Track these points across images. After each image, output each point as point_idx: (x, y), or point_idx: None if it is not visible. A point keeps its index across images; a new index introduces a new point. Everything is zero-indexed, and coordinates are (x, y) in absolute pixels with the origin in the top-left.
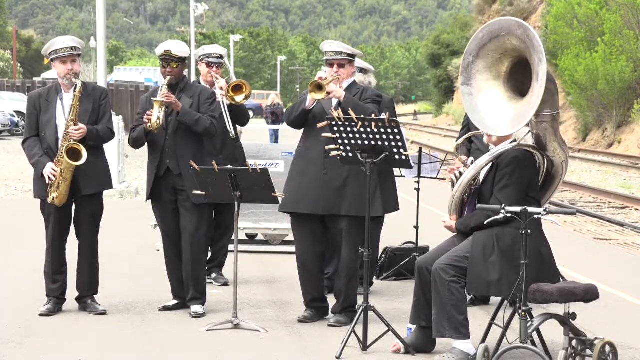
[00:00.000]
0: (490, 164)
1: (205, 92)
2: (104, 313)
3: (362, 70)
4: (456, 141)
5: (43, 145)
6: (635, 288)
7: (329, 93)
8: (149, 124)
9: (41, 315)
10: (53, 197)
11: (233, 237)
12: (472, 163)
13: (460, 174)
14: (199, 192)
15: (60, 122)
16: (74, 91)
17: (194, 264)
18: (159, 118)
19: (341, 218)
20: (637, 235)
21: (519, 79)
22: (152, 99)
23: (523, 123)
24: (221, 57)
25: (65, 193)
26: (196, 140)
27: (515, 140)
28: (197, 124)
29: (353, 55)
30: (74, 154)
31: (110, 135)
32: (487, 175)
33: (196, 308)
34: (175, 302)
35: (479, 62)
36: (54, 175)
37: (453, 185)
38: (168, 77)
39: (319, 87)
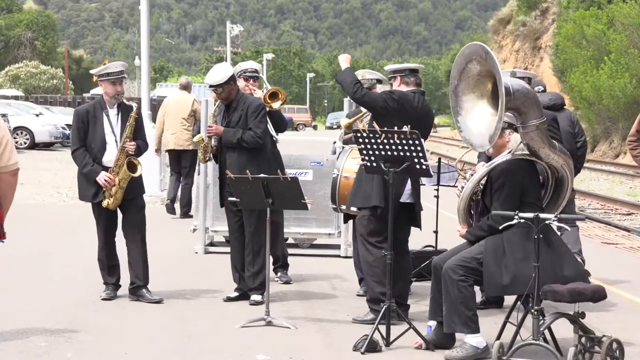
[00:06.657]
0: (487, 176)
1: (252, 105)
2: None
3: (379, 81)
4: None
5: (90, 156)
6: None
7: None
8: (201, 160)
9: (103, 299)
10: (108, 202)
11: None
12: (471, 176)
13: (462, 187)
14: (234, 199)
15: (108, 137)
16: (131, 112)
17: (254, 259)
18: (205, 151)
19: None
20: None
21: None
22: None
23: (495, 137)
24: (256, 71)
25: (120, 198)
26: (249, 149)
27: (511, 151)
28: (241, 142)
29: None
30: (130, 166)
31: (146, 147)
32: (485, 188)
33: (255, 297)
34: (237, 293)
35: (462, 85)
36: (109, 183)
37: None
38: (218, 102)
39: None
